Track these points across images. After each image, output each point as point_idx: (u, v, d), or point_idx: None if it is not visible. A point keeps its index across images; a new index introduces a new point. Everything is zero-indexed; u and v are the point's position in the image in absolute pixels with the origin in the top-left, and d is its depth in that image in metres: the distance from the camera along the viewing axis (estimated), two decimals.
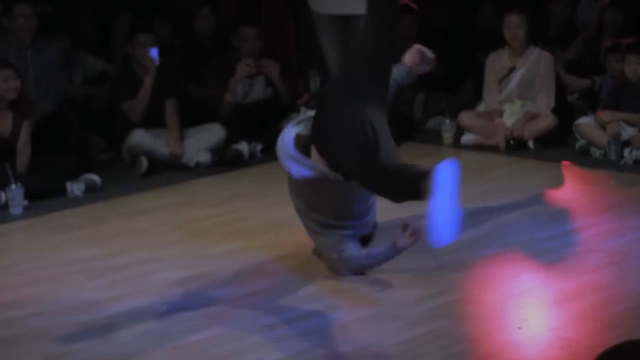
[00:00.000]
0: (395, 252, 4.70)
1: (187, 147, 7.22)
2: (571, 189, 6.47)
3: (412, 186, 4.18)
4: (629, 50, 7.00)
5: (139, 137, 7.13)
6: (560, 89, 7.67)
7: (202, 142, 7.30)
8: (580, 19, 8.62)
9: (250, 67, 7.60)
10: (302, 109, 7.57)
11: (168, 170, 7.11)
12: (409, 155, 6.86)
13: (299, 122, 4.87)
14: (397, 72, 4.92)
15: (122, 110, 7.30)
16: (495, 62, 7.56)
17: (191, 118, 7.50)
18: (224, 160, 7.24)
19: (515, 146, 7.24)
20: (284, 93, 7.76)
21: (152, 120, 7.25)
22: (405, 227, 4.65)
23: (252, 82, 7.75)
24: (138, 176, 6.99)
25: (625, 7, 7.91)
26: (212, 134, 7.38)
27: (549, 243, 5.16)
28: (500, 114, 7.45)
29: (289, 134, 4.77)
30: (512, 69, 7.48)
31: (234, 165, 7.23)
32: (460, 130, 7.54)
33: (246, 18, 7.88)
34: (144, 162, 7.02)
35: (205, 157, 7.21)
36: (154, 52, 7.26)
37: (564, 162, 6.89)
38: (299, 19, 8.36)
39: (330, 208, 4.76)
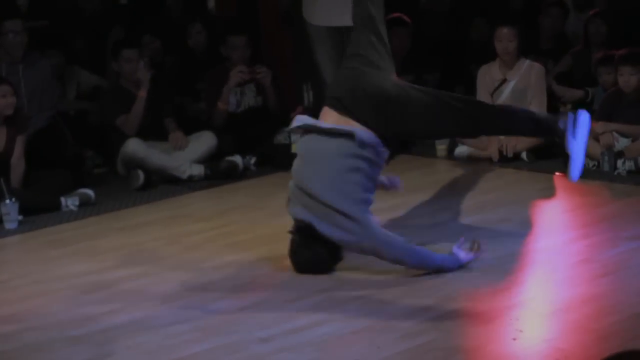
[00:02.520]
0: (453, 262, 4.86)
1: (179, 157, 7.22)
2: (565, 200, 6.48)
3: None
4: (622, 61, 7.01)
5: (133, 145, 7.12)
6: (552, 101, 7.69)
7: (194, 150, 7.32)
8: (569, 31, 8.65)
9: (243, 73, 7.62)
10: None
11: (162, 184, 7.11)
12: (402, 167, 6.90)
13: None
14: None
15: (117, 125, 7.31)
16: (487, 74, 7.58)
17: (185, 132, 7.50)
18: (218, 173, 7.23)
19: (509, 158, 7.25)
20: (272, 101, 7.78)
21: (146, 133, 7.25)
22: (471, 242, 4.92)
23: (243, 91, 7.79)
24: (134, 189, 6.99)
25: (609, 18, 7.95)
26: (203, 142, 7.39)
27: (544, 254, 5.17)
28: None
29: None
30: (504, 81, 7.50)
31: (228, 177, 7.22)
32: (453, 142, 7.55)
33: (234, 27, 7.91)
34: (141, 176, 7.01)
35: (198, 170, 7.20)
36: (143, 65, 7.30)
37: (558, 174, 6.90)
38: (295, 32, 8.37)
39: None
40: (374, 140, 4.80)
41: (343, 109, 4.88)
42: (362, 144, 4.75)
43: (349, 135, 4.76)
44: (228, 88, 7.63)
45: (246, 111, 7.80)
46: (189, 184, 7.11)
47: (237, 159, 7.34)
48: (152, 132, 7.29)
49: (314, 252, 4.86)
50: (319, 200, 4.75)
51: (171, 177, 7.16)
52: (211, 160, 7.35)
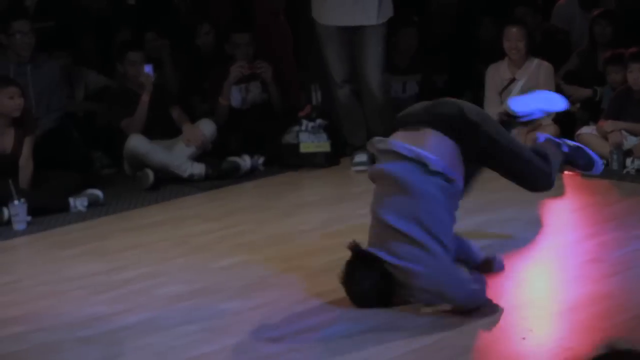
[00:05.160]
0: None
1: (181, 155, 7.20)
2: (573, 199, 6.47)
3: None
4: (633, 58, 7.01)
5: (135, 141, 7.10)
6: None
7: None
8: (576, 30, 8.62)
9: (243, 68, 7.62)
10: (304, 121, 7.57)
11: (171, 184, 7.09)
12: None
13: None
14: None
15: (122, 127, 7.31)
16: (495, 73, 7.56)
17: None
18: (219, 173, 7.21)
19: None
20: (275, 97, 7.77)
21: (151, 135, 7.23)
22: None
23: (248, 88, 7.79)
24: (145, 189, 6.98)
25: (614, 19, 7.93)
26: (202, 130, 7.38)
27: (552, 253, 5.17)
28: None
29: None
30: (512, 80, 7.48)
31: (229, 177, 7.20)
32: None
33: (237, 25, 7.92)
34: (151, 175, 7.00)
35: (199, 169, 7.17)
36: (148, 69, 7.28)
37: (567, 172, 6.89)
38: (297, 31, 8.37)
39: None
40: (442, 165, 4.40)
41: (416, 123, 4.57)
42: (433, 170, 4.39)
43: (421, 162, 4.40)
44: (228, 83, 7.64)
45: (252, 108, 7.80)
46: (197, 185, 7.09)
47: (245, 159, 7.32)
48: (156, 131, 7.28)
49: (373, 283, 4.38)
50: (391, 227, 4.34)
51: (172, 174, 7.14)
52: (215, 159, 7.33)
